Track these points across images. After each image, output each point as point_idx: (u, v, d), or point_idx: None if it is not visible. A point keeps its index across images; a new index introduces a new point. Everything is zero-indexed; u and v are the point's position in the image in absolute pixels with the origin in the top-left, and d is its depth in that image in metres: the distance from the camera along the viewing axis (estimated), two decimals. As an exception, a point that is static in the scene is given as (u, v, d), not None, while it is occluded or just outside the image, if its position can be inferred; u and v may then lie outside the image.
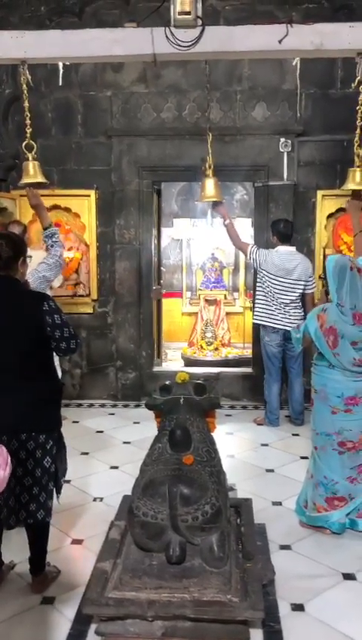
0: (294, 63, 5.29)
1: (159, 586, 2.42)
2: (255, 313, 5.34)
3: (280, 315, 5.15)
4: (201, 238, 8.68)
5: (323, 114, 5.67)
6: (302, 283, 5.17)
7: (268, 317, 5.20)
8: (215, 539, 2.48)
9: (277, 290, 5.13)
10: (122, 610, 2.36)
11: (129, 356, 6.10)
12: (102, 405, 6.03)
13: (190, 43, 2.98)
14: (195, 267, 8.90)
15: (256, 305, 5.31)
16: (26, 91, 3.25)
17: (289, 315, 5.14)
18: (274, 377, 5.35)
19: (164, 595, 2.38)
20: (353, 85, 3.13)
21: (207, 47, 3.01)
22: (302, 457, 4.42)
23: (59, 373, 4.07)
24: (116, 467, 4.36)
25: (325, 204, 5.77)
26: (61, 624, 2.56)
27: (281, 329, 5.16)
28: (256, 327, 5.55)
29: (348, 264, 3.18)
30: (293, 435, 5.14)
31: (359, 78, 3.08)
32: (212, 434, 3.04)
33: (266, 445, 4.87)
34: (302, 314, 5.18)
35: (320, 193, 5.75)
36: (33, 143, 3.32)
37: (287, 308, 5.14)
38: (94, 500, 3.82)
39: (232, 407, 5.91)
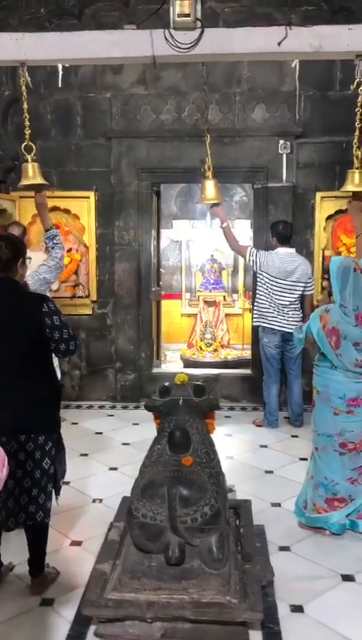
0: (293, 65, 5.28)
1: (158, 587, 2.42)
2: (254, 314, 5.34)
3: (279, 317, 5.16)
4: (200, 239, 8.69)
5: (322, 116, 5.68)
6: (302, 284, 5.18)
7: (268, 318, 5.20)
8: (214, 540, 2.47)
9: (276, 292, 5.13)
10: (121, 612, 2.36)
11: (128, 357, 6.10)
12: (102, 407, 6.03)
13: (189, 45, 2.99)
14: (194, 269, 8.91)
15: (256, 307, 5.31)
16: (25, 93, 3.26)
17: (288, 317, 5.15)
18: (274, 379, 5.36)
19: (163, 597, 2.38)
20: (352, 87, 3.15)
21: (206, 49, 3.02)
22: (301, 459, 4.43)
23: (59, 375, 4.07)
24: (115, 468, 4.36)
25: (324, 206, 5.78)
26: (60, 625, 2.56)
27: (280, 331, 5.17)
28: (256, 329, 5.55)
29: (351, 265, 3.19)
30: (292, 436, 5.14)
31: (358, 79, 3.09)
32: (211, 435, 3.04)
33: (265, 447, 4.87)
34: (301, 316, 5.20)
35: (319, 195, 5.76)
36: (32, 144, 3.33)
37: (286, 310, 5.15)
38: (93, 501, 3.82)
39: (231, 408, 5.91)
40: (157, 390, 3.26)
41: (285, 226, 5.25)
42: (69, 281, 6.05)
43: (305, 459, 4.11)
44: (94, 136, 5.91)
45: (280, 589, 2.79)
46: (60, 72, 5.49)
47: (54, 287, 5.72)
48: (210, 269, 8.14)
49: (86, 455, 4.61)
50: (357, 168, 3.33)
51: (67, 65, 5.10)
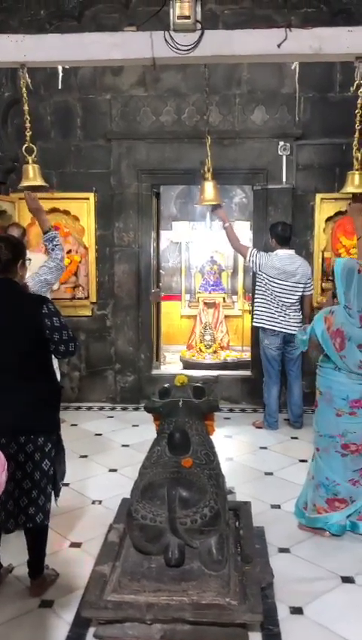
0: (293, 67, 5.26)
1: (158, 589, 2.41)
2: (254, 316, 5.34)
3: (280, 318, 5.16)
4: (200, 241, 8.70)
5: (322, 117, 5.69)
6: (302, 285, 5.18)
7: (269, 320, 5.20)
8: (214, 542, 2.47)
9: (278, 293, 5.13)
10: (121, 614, 2.36)
11: (128, 359, 6.09)
12: (101, 408, 6.02)
13: (189, 47, 2.99)
14: (194, 270, 8.92)
15: (256, 308, 5.31)
16: (25, 94, 3.26)
17: (289, 318, 5.15)
18: (274, 380, 5.35)
19: (163, 598, 2.37)
20: (351, 89, 3.15)
21: (206, 51, 3.03)
22: (301, 460, 4.43)
23: (58, 376, 4.07)
24: (115, 470, 4.35)
25: (324, 208, 5.78)
26: (59, 627, 2.56)
27: (281, 332, 5.17)
28: (255, 330, 5.55)
29: (356, 267, 3.20)
30: (292, 438, 5.14)
31: (357, 81, 3.10)
32: (211, 437, 3.04)
33: (265, 448, 4.87)
34: (301, 317, 5.20)
35: (318, 196, 5.77)
36: (33, 146, 3.33)
37: (288, 311, 5.15)
38: (93, 502, 3.82)
39: (231, 410, 5.90)
40: (156, 392, 3.26)
41: (284, 228, 5.25)
42: (69, 283, 6.05)
43: (305, 460, 4.11)
44: (94, 137, 5.91)
45: (280, 590, 2.78)
46: (60, 74, 5.45)
47: (55, 287, 5.72)
48: (210, 270, 8.15)
49: (85, 456, 4.61)
50: (356, 170, 3.34)
51: (67, 66, 5.12)
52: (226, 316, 7.96)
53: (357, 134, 3.24)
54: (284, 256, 5.17)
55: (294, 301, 5.18)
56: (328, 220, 5.83)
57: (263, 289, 5.21)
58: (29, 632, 2.55)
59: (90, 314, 6.11)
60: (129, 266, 5.99)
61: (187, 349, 7.57)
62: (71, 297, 6.05)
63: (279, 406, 5.43)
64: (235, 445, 4.95)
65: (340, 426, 3.24)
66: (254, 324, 5.40)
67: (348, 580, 2.93)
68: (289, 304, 5.15)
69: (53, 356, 2.75)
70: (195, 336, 7.63)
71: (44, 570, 2.85)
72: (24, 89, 3.22)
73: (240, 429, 5.35)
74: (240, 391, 6.11)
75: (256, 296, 5.36)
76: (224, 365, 6.92)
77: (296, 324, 5.12)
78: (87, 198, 5.93)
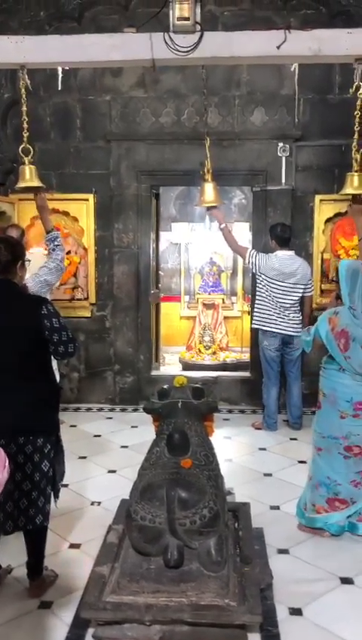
0: (292, 69, 5.31)
1: (157, 590, 2.41)
2: (254, 317, 5.34)
3: (279, 320, 5.16)
4: (200, 242, 8.70)
5: (321, 119, 5.70)
6: (302, 286, 5.19)
7: (268, 321, 5.20)
8: (213, 543, 2.47)
9: (277, 294, 5.13)
10: (120, 615, 2.36)
11: (127, 360, 6.09)
12: (100, 409, 6.02)
13: (189, 48, 2.99)
14: (193, 271, 8.92)
15: (256, 309, 5.31)
16: (24, 95, 3.26)
17: (288, 319, 5.15)
18: (273, 381, 5.35)
19: (162, 599, 2.37)
20: (351, 90, 3.15)
21: (205, 52, 3.02)
22: (300, 461, 4.42)
23: (57, 377, 4.07)
24: (114, 471, 4.35)
25: (323, 209, 5.79)
26: (59, 628, 2.55)
27: (281, 333, 5.17)
28: (255, 331, 5.55)
29: (360, 268, 3.21)
30: (291, 439, 5.14)
31: (357, 83, 3.09)
32: (210, 438, 3.04)
33: (264, 449, 4.87)
34: (301, 318, 5.20)
35: (317, 198, 5.77)
36: (30, 147, 3.32)
37: (288, 312, 5.15)
38: (92, 504, 3.82)
39: (230, 411, 5.90)
40: (156, 393, 3.25)
41: (284, 229, 5.25)
42: (68, 284, 6.05)
43: (304, 461, 4.11)
44: (93, 138, 5.91)
45: (279, 591, 2.78)
46: (60, 75, 5.51)
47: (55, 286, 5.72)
48: (209, 271, 8.16)
49: (84, 458, 4.60)
50: (356, 171, 3.33)
51: (67, 68, 5.14)
52: (225, 317, 7.96)
53: (356, 136, 3.23)
54: (284, 257, 5.17)
55: (293, 302, 5.18)
56: (327, 221, 5.83)
57: (263, 290, 5.21)
58: (28, 633, 2.54)
59: (89, 315, 6.11)
60: (128, 267, 5.99)
61: (186, 350, 7.57)
62: (70, 298, 6.05)
63: (278, 407, 5.43)
64: (234, 446, 4.95)
65: (343, 428, 3.24)
66: (253, 325, 5.41)
67: (347, 580, 2.94)
68: (288, 305, 5.15)
69: (52, 357, 2.76)
70: (194, 337, 7.63)
71: (44, 572, 2.85)
72: (23, 90, 3.21)
73: (240, 430, 5.35)
74: (239, 392, 6.11)
75: (256, 297, 5.35)
76: (223, 366, 6.92)
77: (295, 326, 5.12)
78: (87, 199, 5.94)
